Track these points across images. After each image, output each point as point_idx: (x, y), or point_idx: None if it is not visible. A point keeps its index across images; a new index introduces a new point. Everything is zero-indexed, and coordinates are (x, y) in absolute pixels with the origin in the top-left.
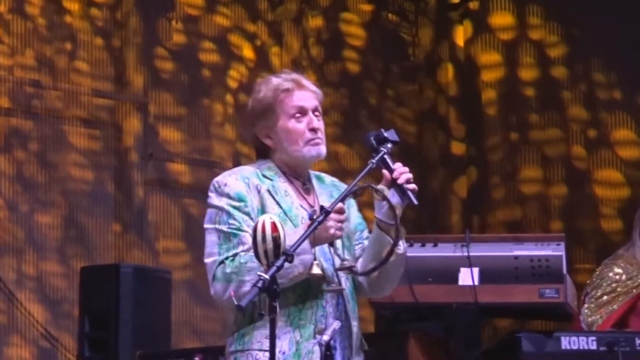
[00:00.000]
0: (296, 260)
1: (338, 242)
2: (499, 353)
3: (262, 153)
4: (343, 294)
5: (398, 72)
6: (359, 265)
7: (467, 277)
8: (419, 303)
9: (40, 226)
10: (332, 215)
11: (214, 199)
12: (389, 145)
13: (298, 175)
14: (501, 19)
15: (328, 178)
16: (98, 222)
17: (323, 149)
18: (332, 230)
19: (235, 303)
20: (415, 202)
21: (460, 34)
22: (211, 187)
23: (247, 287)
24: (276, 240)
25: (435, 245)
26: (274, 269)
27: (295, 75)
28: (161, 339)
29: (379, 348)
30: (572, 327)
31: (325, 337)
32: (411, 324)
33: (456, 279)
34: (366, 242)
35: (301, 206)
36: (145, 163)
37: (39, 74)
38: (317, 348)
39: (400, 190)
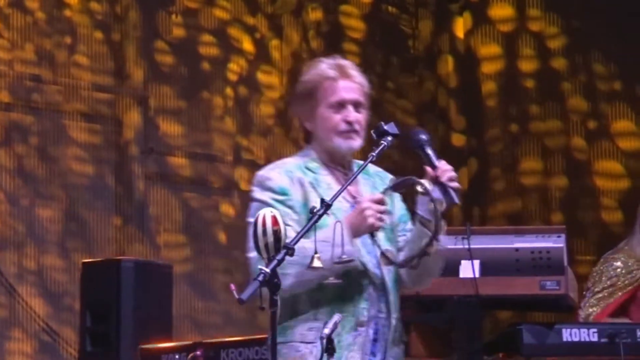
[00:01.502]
0: (337, 252)
1: (380, 234)
2: (501, 345)
3: (308, 136)
4: (385, 287)
5: (398, 64)
6: (401, 258)
7: (468, 269)
8: (420, 296)
9: (40, 220)
10: (371, 205)
11: (257, 192)
12: (389, 138)
13: (339, 165)
14: (501, 11)
15: (373, 168)
16: (99, 216)
17: (356, 143)
18: (370, 220)
19: (237, 297)
20: (457, 201)
21: (460, 26)
22: (254, 181)
23: (289, 280)
24: (277, 233)
25: None
26: (274, 262)
27: (342, 62)
28: (162, 333)
29: None
30: (574, 319)
31: (326, 331)
32: (413, 316)
33: (457, 272)
34: (409, 235)
35: (344, 198)
36: (146, 157)
37: (38, 68)
38: (359, 339)
39: (443, 188)
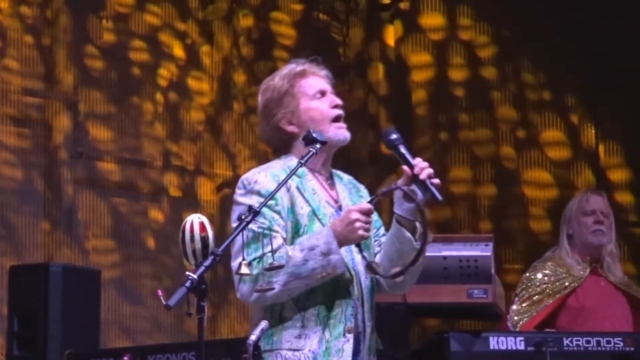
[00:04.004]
0: (324, 261)
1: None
2: (428, 352)
3: (281, 149)
4: (363, 296)
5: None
6: (377, 260)
7: None
8: None
9: None
10: (360, 216)
11: (242, 196)
12: (318, 145)
13: (322, 169)
14: (431, 20)
15: (345, 176)
16: (27, 220)
17: (349, 134)
18: (360, 231)
19: (164, 303)
20: (440, 197)
21: (391, 34)
22: (239, 184)
23: (274, 289)
24: (204, 240)
25: None
26: (202, 268)
27: (305, 62)
28: (90, 338)
29: None
30: (501, 328)
31: (253, 337)
32: None
33: None
34: (383, 239)
35: (328, 203)
36: (75, 161)
37: None
38: (347, 346)
39: (422, 185)
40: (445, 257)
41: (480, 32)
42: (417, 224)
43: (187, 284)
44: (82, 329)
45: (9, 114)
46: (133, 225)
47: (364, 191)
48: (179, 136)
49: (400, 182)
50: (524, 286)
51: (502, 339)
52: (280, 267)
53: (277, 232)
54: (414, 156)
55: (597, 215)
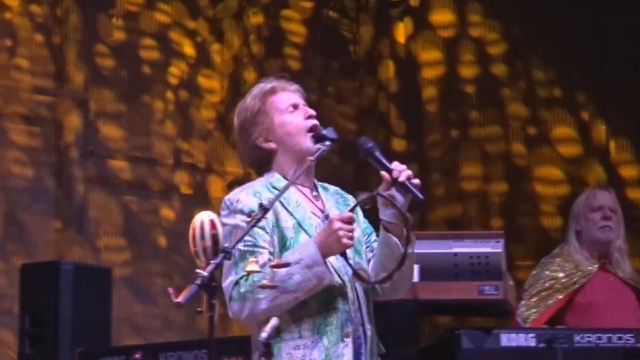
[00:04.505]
0: (309, 274)
1: (349, 251)
2: (439, 350)
3: (263, 168)
4: (359, 301)
5: (338, 69)
6: (370, 269)
7: None
8: None
9: None
10: (342, 225)
11: (226, 217)
12: (327, 143)
13: (305, 181)
14: (441, 17)
15: (331, 187)
16: (38, 219)
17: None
18: (344, 240)
19: (174, 300)
20: (421, 197)
21: (401, 31)
22: (223, 206)
23: (263, 305)
24: (215, 237)
25: None
26: (212, 266)
27: (274, 79)
28: (101, 336)
29: None
30: (511, 324)
31: (264, 334)
32: None
33: None
34: (375, 245)
35: (313, 214)
36: (86, 160)
37: None
38: (347, 350)
39: (403, 188)
40: (456, 254)
41: (491, 29)
42: (402, 229)
43: (198, 281)
44: (93, 327)
45: (20, 112)
46: (144, 223)
47: (351, 201)
48: (189, 134)
49: (380, 188)
50: (532, 282)
51: (513, 335)
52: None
53: (263, 247)
54: (390, 161)
55: (605, 211)
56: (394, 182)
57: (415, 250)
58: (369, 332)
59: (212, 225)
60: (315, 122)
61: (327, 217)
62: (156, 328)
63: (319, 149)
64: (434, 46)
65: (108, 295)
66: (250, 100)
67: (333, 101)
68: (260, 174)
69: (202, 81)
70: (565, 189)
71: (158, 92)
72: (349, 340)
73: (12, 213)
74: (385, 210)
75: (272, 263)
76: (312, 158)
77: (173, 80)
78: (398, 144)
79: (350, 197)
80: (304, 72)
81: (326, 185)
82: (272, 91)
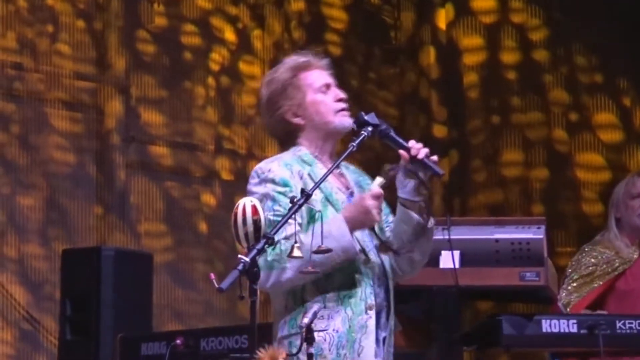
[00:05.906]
0: (336, 247)
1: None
2: (480, 335)
3: (288, 141)
4: (386, 275)
5: (380, 55)
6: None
7: (448, 260)
8: (400, 286)
9: (21, 208)
10: (374, 201)
11: (256, 185)
12: (369, 128)
13: (329, 160)
14: (483, 3)
15: (351, 165)
16: (79, 205)
17: (351, 120)
18: (375, 216)
19: (216, 286)
20: (441, 172)
21: (442, 17)
22: (253, 174)
23: (289, 274)
24: (257, 223)
25: None
26: (254, 251)
27: (308, 54)
28: (142, 322)
29: None
30: (553, 310)
31: (306, 320)
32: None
33: (437, 262)
34: (393, 224)
35: (339, 190)
36: (127, 146)
37: (20, 56)
38: (370, 322)
39: (422, 165)
40: (497, 240)
41: (532, 15)
42: (422, 203)
43: (240, 267)
44: (135, 313)
45: (62, 98)
46: (185, 209)
47: (370, 180)
48: (230, 120)
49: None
50: (573, 268)
51: (554, 322)
52: (328, 250)
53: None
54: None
55: None
56: (413, 160)
57: (457, 236)
58: (391, 307)
59: (254, 210)
60: (344, 105)
61: (352, 194)
62: (197, 314)
63: (362, 134)
64: (475, 32)
65: (149, 281)
66: (282, 72)
67: (374, 87)
68: (282, 145)
69: (243, 67)
70: (606, 176)
71: (199, 78)
72: (372, 312)
73: (54, 199)
74: (403, 187)
75: (314, 249)
76: (354, 144)
77: (214, 66)
78: (439, 131)
79: (368, 176)
80: (345, 58)
81: (346, 164)
82: (305, 66)
